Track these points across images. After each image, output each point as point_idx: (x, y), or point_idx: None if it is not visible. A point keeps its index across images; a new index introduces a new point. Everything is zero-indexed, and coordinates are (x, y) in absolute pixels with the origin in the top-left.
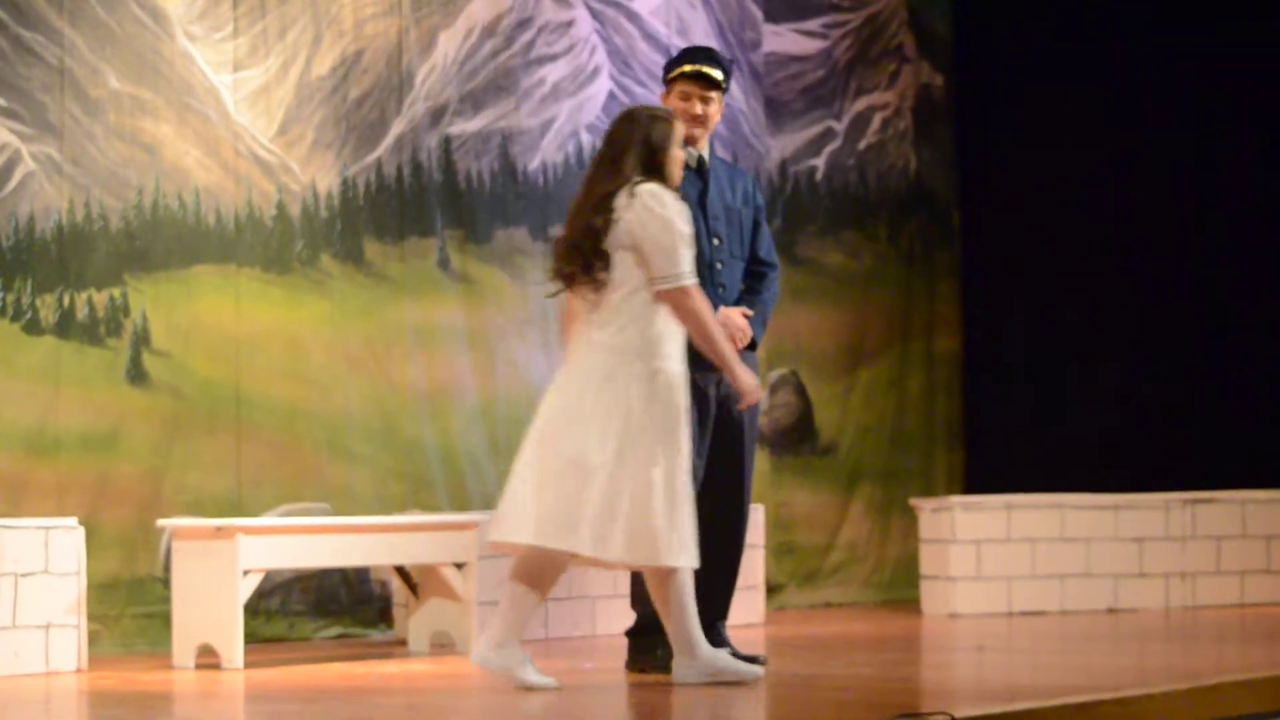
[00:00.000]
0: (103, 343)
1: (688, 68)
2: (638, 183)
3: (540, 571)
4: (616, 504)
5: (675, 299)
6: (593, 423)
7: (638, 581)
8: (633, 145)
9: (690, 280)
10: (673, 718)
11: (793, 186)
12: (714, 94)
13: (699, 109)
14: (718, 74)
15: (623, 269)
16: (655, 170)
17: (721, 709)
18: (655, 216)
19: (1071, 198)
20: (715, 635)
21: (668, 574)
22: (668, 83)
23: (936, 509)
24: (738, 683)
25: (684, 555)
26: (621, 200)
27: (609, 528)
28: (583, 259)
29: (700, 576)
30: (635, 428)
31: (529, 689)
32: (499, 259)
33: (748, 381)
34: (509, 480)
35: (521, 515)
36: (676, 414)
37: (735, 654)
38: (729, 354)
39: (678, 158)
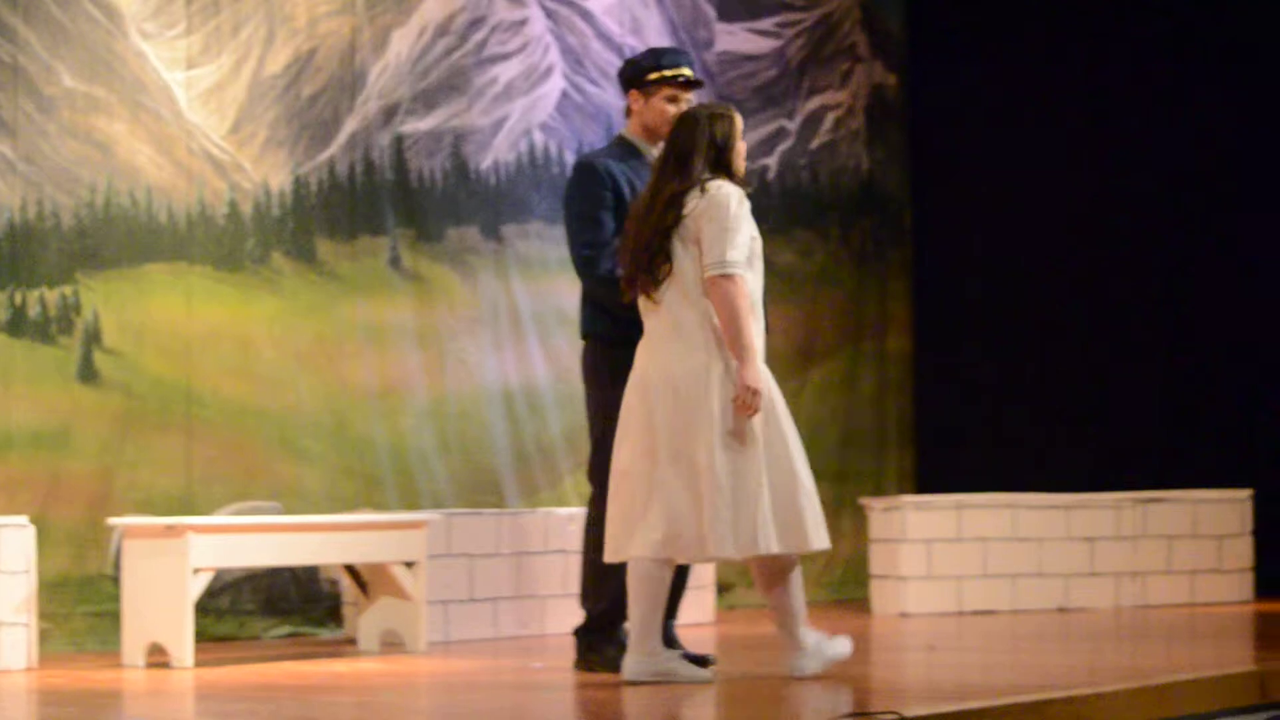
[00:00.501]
0: (54, 341)
1: (670, 71)
2: (707, 180)
3: (776, 567)
4: (783, 496)
5: (716, 284)
6: (722, 424)
7: (588, 579)
8: (698, 146)
9: (736, 269)
10: (624, 717)
11: None
12: (692, 94)
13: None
14: (693, 74)
15: (696, 267)
16: (723, 167)
17: (672, 707)
18: (716, 207)
19: (1024, 198)
20: (666, 635)
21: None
22: (644, 84)
23: (887, 508)
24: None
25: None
26: (693, 198)
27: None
28: (648, 257)
29: (609, 572)
30: (761, 419)
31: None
32: (450, 258)
33: (757, 382)
34: (660, 499)
35: (710, 531)
36: (775, 401)
37: (686, 654)
38: (751, 352)
39: (742, 150)
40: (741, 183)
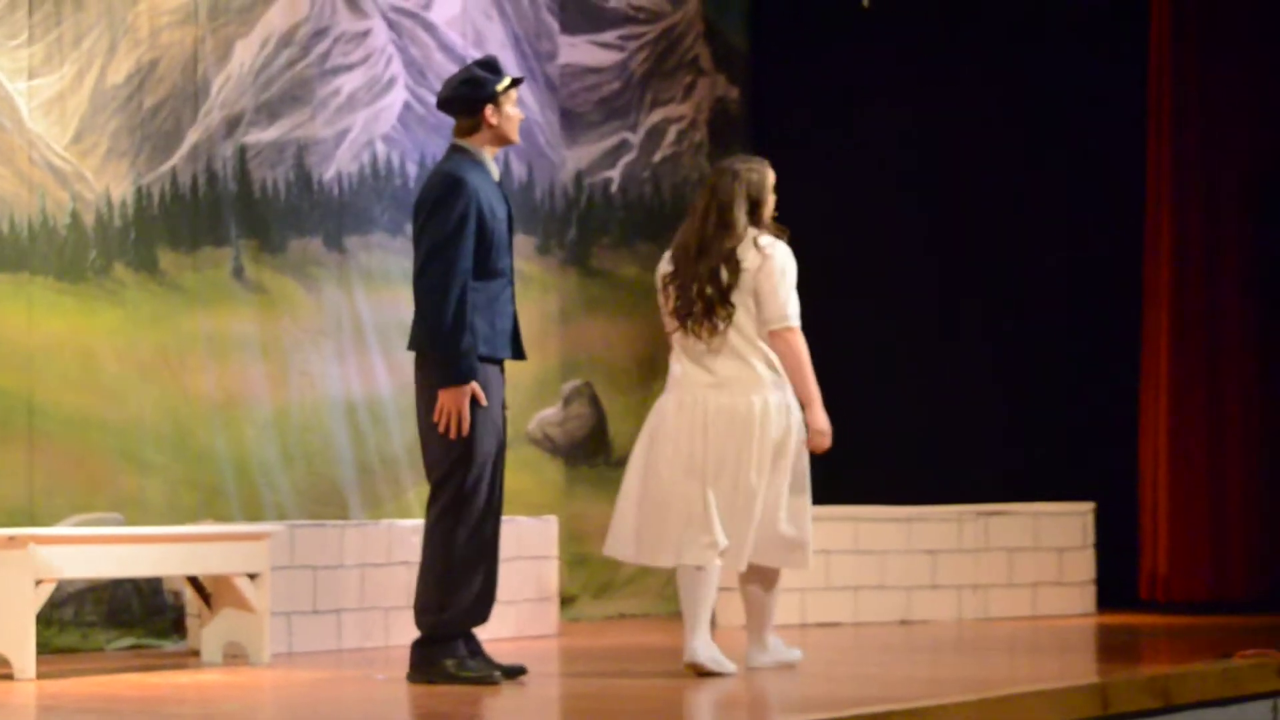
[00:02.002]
0: None
1: (509, 77)
2: (757, 236)
3: (772, 573)
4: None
5: (781, 337)
6: (772, 451)
7: (437, 592)
8: (736, 199)
9: (797, 322)
10: None
11: (588, 198)
12: None
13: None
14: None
15: (744, 313)
16: (757, 220)
17: (520, 717)
18: (775, 267)
19: (867, 210)
20: (473, 644)
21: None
22: (496, 94)
23: None
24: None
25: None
26: (749, 254)
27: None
28: (705, 306)
29: (474, 582)
30: (790, 449)
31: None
32: (293, 269)
33: (826, 423)
34: (712, 515)
35: (760, 543)
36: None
37: (490, 661)
38: (817, 395)
39: (771, 202)
40: (777, 230)
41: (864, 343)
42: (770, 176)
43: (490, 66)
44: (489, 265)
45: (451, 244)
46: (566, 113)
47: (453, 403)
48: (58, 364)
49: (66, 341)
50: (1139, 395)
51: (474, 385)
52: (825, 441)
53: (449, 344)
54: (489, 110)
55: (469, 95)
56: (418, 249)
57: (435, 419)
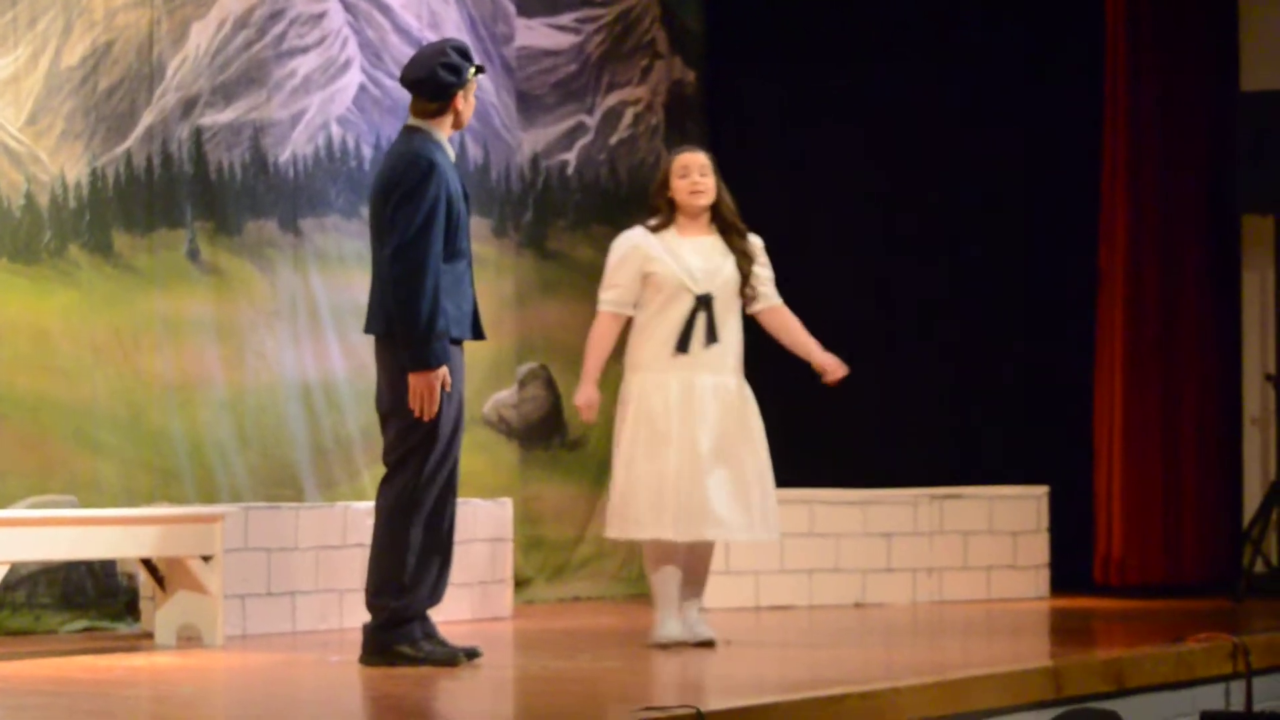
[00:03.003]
0: None
1: (476, 61)
2: (639, 225)
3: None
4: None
5: None
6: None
7: (410, 572)
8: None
9: (601, 307)
10: (419, 711)
11: (544, 180)
12: None
13: None
14: None
15: None
16: (662, 208)
17: (468, 702)
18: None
19: (823, 195)
20: (429, 624)
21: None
22: (467, 81)
23: None
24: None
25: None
26: None
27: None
28: None
29: (433, 568)
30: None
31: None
32: (249, 251)
33: (582, 399)
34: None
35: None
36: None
37: (445, 643)
38: (586, 373)
39: (679, 187)
40: (665, 211)
41: (819, 324)
42: (672, 163)
43: (464, 52)
44: (454, 246)
45: (426, 229)
46: (523, 95)
47: (425, 385)
48: (11, 345)
49: (20, 323)
50: (1093, 379)
51: (444, 370)
52: (587, 415)
53: (426, 328)
54: (458, 98)
55: (447, 80)
56: (388, 231)
57: (411, 404)
